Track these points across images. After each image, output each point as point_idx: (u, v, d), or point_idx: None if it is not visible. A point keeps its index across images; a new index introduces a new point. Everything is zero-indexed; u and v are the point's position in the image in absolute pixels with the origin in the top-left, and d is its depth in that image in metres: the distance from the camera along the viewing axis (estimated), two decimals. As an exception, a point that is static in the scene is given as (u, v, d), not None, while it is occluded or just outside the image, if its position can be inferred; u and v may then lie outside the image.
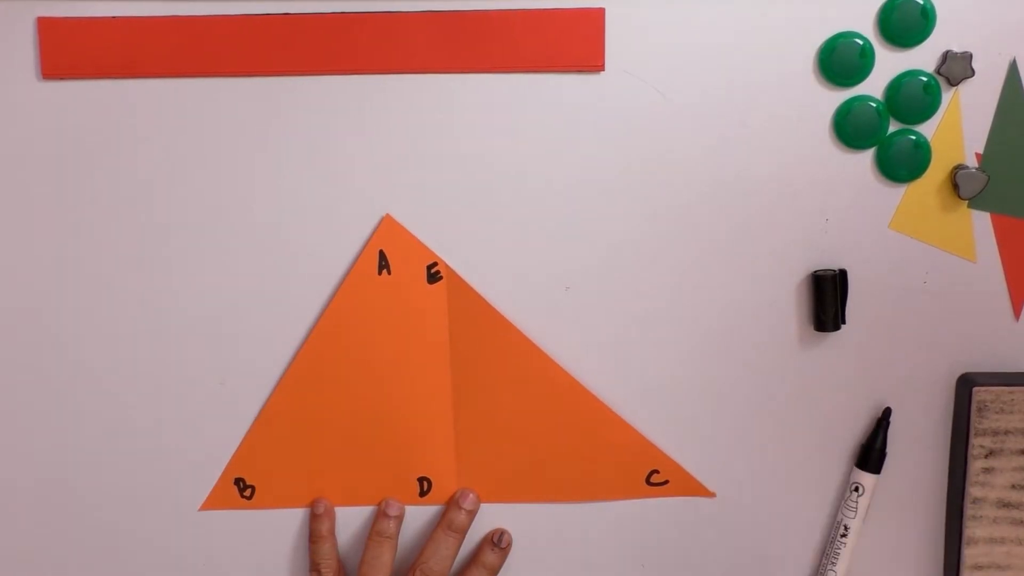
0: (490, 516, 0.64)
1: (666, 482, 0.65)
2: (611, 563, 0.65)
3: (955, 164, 0.61)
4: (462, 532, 0.63)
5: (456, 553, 0.63)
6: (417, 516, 0.65)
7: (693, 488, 0.65)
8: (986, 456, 0.62)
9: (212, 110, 0.60)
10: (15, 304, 0.62)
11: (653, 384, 0.64)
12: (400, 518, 0.64)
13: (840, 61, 0.60)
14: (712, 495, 0.65)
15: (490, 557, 0.63)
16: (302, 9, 0.59)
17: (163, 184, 0.61)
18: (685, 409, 0.64)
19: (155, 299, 0.62)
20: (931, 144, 0.61)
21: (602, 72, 0.61)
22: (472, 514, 0.63)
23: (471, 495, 0.63)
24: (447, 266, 0.62)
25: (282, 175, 0.61)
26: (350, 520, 0.65)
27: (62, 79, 0.60)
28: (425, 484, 0.65)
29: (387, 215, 0.62)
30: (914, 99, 0.61)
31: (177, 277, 0.62)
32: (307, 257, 0.62)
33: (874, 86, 0.61)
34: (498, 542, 0.63)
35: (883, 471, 0.64)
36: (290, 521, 0.65)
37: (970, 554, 0.63)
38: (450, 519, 0.63)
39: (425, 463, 0.64)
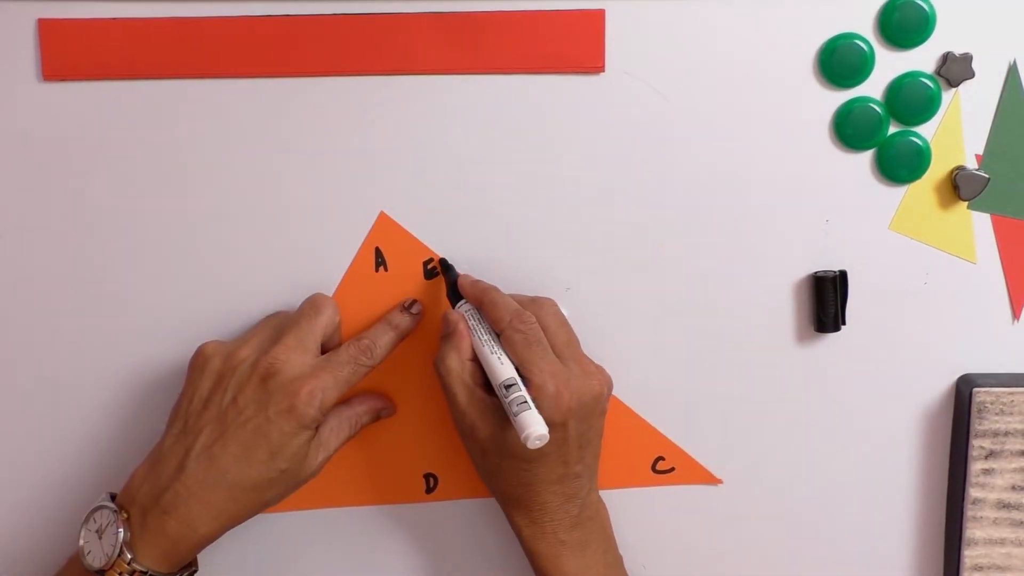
0: (496, 508, 0.63)
1: (672, 469, 0.65)
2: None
3: (955, 165, 0.61)
4: (400, 331, 0.61)
5: (391, 347, 0.60)
6: (424, 513, 0.65)
7: (699, 475, 0.65)
8: (986, 457, 0.62)
9: (212, 111, 0.60)
10: (16, 304, 0.62)
11: (653, 387, 0.64)
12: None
13: (840, 62, 0.60)
14: (719, 482, 0.65)
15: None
16: (302, 11, 0.59)
17: (163, 184, 0.61)
18: (685, 412, 0.64)
19: (154, 299, 0.62)
20: (931, 145, 0.61)
21: (602, 73, 0.61)
22: (416, 317, 0.61)
23: (418, 304, 0.61)
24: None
25: (282, 175, 0.61)
26: (354, 519, 0.65)
27: (63, 80, 0.60)
28: (431, 480, 0.65)
29: (381, 212, 0.62)
30: (914, 100, 0.61)
31: (176, 277, 0.62)
32: (306, 255, 0.62)
33: (874, 87, 0.61)
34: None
35: (884, 472, 0.64)
36: (292, 523, 0.65)
37: (970, 555, 0.63)
38: (393, 317, 0.61)
39: (430, 459, 0.64)
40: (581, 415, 0.56)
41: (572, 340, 0.58)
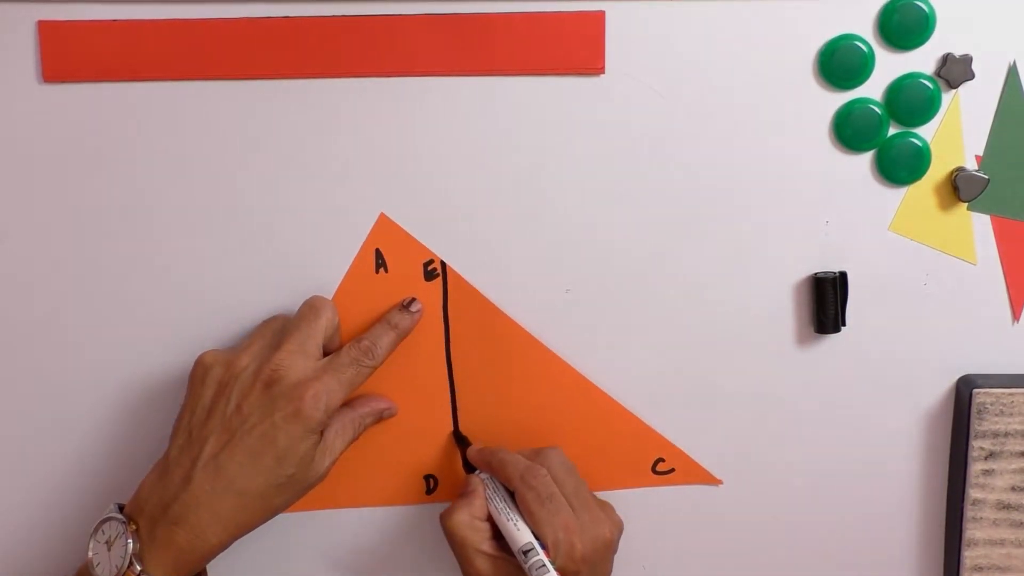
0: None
1: (672, 470, 0.65)
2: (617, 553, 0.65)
3: (955, 166, 0.61)
4: (400, 331, 0.61)
5: (392, 347, 0.61)
6: (425, 514, 0.65)
7: (699, 476, 0.65)
8: (986, 458, 0.62)
9: (212, 113, 0.60)
10: (15, 308, 0.62)
11: (653, 387, 0.64)
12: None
13: (840, 63, 0.60)
14: (719, 482, 0.65)
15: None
16: (302, 12, 0.59)
17: (163, 186, 0.61)
18: (685, 413, 0.64)
19: (154, 300, 0.62)
20: (931, 146, 0.61)
21: (602, 75, 0.61)
22: (416, 316, 0.62)
23: (417, 302, 0.62)
24: (443, 262, 0.62)
25: (282, 177, 0.61)
26: (355, 520, 0.65)
27: (63, 82, 0.60)
28: (432, 482, 0.65)
29: (381, 214, 0.62)
30: (914, 101, 0.61)
31: (176, 279, 0.62)
32: (307, 257, 0.62)
33: (874, 88, 0.61)
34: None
35: (884, 473, 0.65)
36: (294, 523, 0.65)
37: (970, 556, 0.63)
38: (393, 317, 0.61)
39: (430, 461, 0.64)
40: (593, 561, 0.57)
41: (580, 487, 0.59)
